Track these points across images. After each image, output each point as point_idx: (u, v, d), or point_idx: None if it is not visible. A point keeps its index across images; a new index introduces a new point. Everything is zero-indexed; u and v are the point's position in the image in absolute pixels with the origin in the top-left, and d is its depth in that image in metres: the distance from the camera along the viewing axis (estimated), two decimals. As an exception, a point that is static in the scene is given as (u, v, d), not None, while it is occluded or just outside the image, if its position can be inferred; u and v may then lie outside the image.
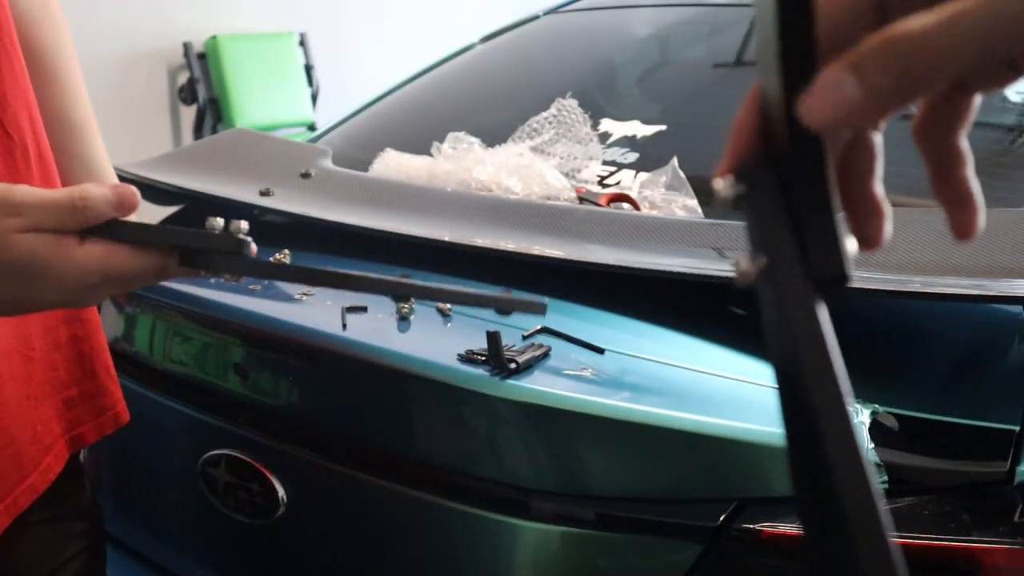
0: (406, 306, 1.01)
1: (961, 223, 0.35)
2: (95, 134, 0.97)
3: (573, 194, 1.27)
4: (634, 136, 1.39)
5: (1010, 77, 0.33)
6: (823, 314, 0.30)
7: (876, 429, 0.83)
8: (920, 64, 0.28)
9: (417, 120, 1.68)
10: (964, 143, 0.35)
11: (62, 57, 0.90)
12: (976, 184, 0.35)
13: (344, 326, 0.97)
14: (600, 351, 0.91)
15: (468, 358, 0.89)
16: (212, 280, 1.12)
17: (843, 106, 0.29)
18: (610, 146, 1.39)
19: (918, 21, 0.28)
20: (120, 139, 3.10)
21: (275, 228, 1.26)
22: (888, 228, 0.36)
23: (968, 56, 0.28)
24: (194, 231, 0.60)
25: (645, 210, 1.21)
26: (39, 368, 0.83)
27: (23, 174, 0.80)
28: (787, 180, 0.31)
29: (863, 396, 0.85)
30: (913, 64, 0.28)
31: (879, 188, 0.35)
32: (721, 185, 0.32)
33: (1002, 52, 0.28)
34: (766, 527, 0.80)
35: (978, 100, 0.34)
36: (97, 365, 0.91)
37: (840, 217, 0.30)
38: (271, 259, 1.15)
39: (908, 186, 1.34)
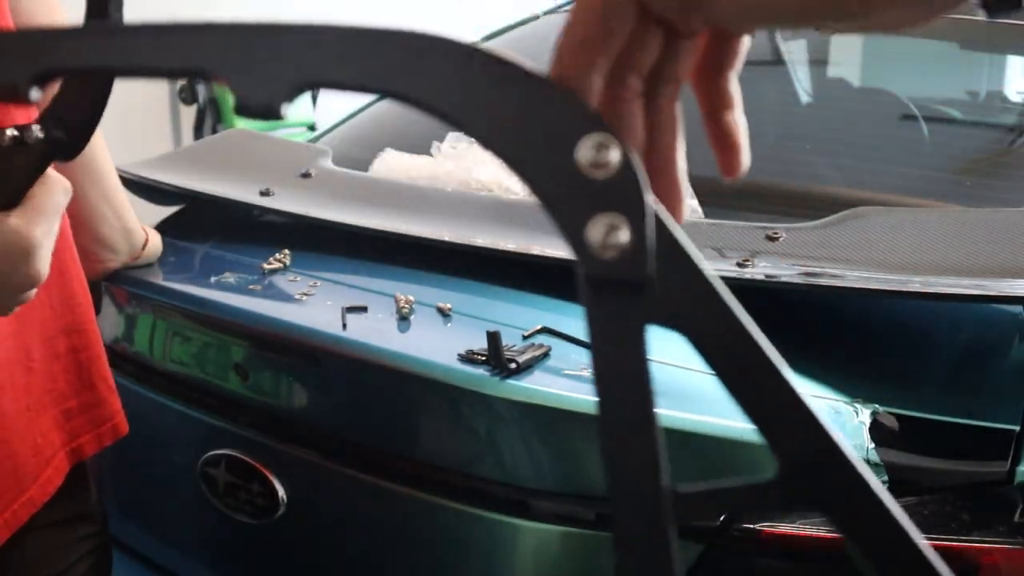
0: (406, 306, 1.01)
1: (726, 162, 0.38)
2: (98, 136, 0.97)
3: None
4: (634, 136, 1.39)
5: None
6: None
7: (876, 429, 0.83)
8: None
9: (417, 120, 1.68)
10: (734, 85, 0.37)
11: None
12: (743, 126, 0.38)
13: (344, 326, 0.97)
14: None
15: (468, 358, 0.89)
16: (212, 279, 1.12)
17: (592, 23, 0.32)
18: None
19: None
20: (120, 139, 3.10)
21: (275, 228, 1.26)
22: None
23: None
24: None
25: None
26: (38, 379, 0.83)
27: None
28: None
29: (864, 396, 0.85)
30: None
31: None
32: None
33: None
34: (766, 527, 0.80)
35: (746, 43, 0.37)
36: (95, 376, 0.90)
37: None
38: (271, 259, 1.15)
39: (908, 186, 1.34)
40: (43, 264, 0.57)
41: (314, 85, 0.30)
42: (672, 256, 0.30)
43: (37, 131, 0.52)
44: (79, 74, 0.50)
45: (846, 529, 0.29)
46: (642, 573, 0.29)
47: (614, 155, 0.29)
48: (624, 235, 0.29)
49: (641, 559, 0.29)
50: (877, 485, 0.29)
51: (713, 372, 0.30)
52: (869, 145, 1.47)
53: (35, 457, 0.82)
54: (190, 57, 0.30)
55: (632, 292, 0.29)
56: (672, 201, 0.37)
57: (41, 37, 0.32)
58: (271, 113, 0.30)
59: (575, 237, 0.29)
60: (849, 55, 1.83)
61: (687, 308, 0.30)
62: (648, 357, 0.30)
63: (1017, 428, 0.82)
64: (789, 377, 0.29)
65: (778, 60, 1.66)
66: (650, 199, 0.29)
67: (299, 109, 4.03)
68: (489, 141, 0.30)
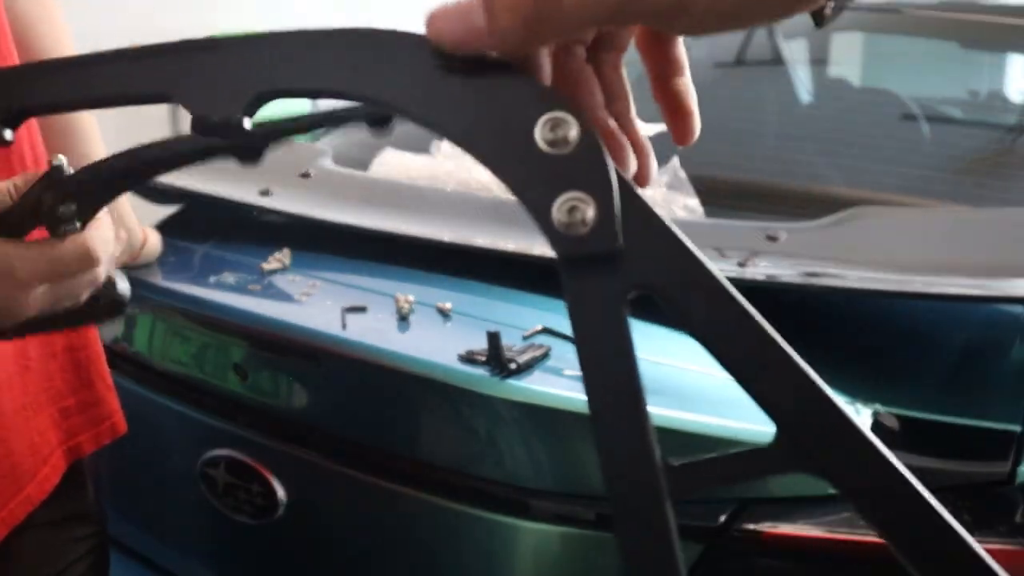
0: (406, 306, 1.01)
1: (680, 129, 0.37)
2: (96, 136, 0.96)
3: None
4: (634, 136, 1.39)
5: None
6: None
7: (877, 429, 0.83)
8: (548, 16, 0.29)
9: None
10: (681, 52, 0.36)
11: (62, 53, 0.90)
12: (691, 91, 0.37)
13: (344, 326, 0.97)
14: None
15: (468, 358, 0.89)
16: (212, 279, 1.12)
17: (471, 34, 0.30)
18: (610, 146, 1.39)
19: None
20: (119, 139, 3.09)
21: (275, 228, 1.26)
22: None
23: (587, 22, 0.30)
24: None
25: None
26: (35, 378, 0.83)
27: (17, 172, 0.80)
28: None
29: (864, 396, 0.85)
30: (535, 19, 0.29)
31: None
32: None
33: (619, 24, 0.31)
34: (767, 528, 0.80)
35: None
36: (94, 374, 0.90)
37: None
38: (270, 259, 1.15)
39: (909, 186, 1.34)
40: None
41: (269, 96, 0.30)
42: (642, 224, 0.30)
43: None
44: (47, 112, 0.50)
45: (850, 490, 0.29)
46: (644, 552, 0.28)
47: (572, 131, 0.29)
48: (590, 210, 0.29)
49: (642, 538, 0.29)
50: (876, 441, 0.30)
51: (695, 336, 0.30)
52: (869, 145, 1.47)
53: (32, 455, 0.82)
54: (150, 83, 0.30)
55: (606, 266, 0.29)
56: (632, 164, 0.37)
57: (4, 78, 0.32)
58: (231, 130, 0.29)
59: (543, 218, 0.30)
60: (849, 55, 1.83)
61: (663, 274, 0.30)
62: (629, 331, 0.30)
63: (1018, 428, 0.82)
64: (775, 334, 0.29)
65: (778, 60, 1.66)
66: (612, 170, 0.29)
67: (298, 108, 4.03)
68: (450, 131, 0.30)
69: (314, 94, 0.31)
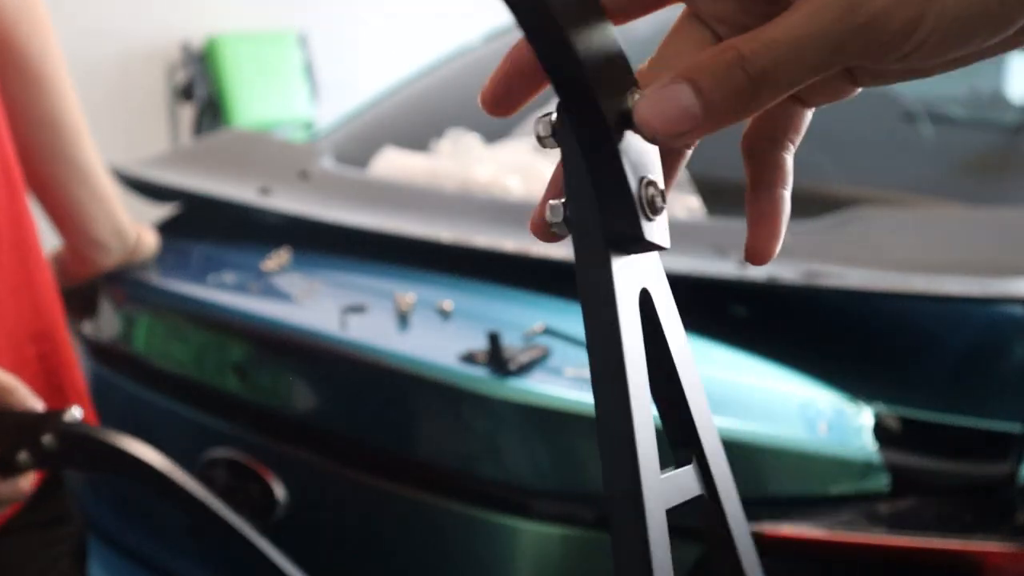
0: (406, 306, 1.00)
1: (759, 243, 0.34)
2: (85, 135, 0.96)
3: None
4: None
5: (849, 90, 0.33)
6: (627, 270, 0.30)
7: (879, 430, 0.83)
8: (756, 75, 0.27)
9: (418, 119, 1.68)
10: (790, 160, 0.34)
11: (48, 58, 0.89)
12: (788, 208, 0.34)
13: (344, 326, 0.97)
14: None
15: (468, 358, 0.88)
16: (211, 279, 1.12)
17: (679, 114, 0.28)
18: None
19: (760, 36, 0.28)
20: (119, 139, 3.09)
21: (274, 228, 1.26)
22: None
23: (807, 70, 0.28)
24: None
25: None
26: None
27: None
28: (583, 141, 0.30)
29: (865, 396, 0.85)
30: (750, 80, 0.27)
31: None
32: (540, 125, 0.31)
33: (840, 65, 0.28)
34: (767, 528, 0.80)
35: (810, 114, 0.34)
36: (65, 382, 0.90)
37: (639, 180, 0.29)
38: (270, 259, 1.14)
39: (909, 185, 1.34)
40: None
41: None
42: None
43: None
44: None
45: None
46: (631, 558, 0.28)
47: None
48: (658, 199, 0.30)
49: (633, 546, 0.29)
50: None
51: None
52: (870, 144, 1.47)
53: None
54: None
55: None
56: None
57: None
58: None
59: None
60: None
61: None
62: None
63: (1018, 428, 0.82)
64: None
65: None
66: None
67: (297, 107, 4.03)
68: None
69: None
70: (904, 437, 0.84)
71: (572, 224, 0.30)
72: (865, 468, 0.82)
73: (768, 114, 0.33)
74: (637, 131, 0.29)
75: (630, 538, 0.27)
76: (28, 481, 0.66)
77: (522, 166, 1.29)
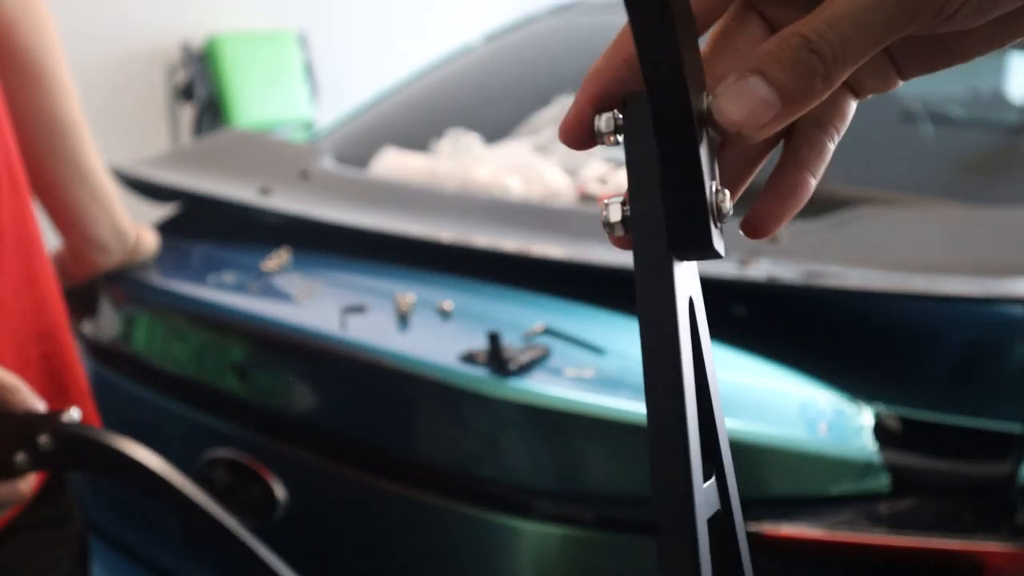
0: (406, 306, 1.00)
1: (764, 216, 0.34)
2: (85, 135, 0.96)
3: (574, 193, 1.27)
4: (634, 135, 1.38)
5: (895, 80, 0.34)
6: (683, 277, 0.29)
7: (879, 430, 0.83)
8: (822, 54, 0.28)
9: (418, 119, 1.68)
10: (831, 147, 0.34)
11: (49, 58, 0.89)
12: (808, 192, 0.34)
13: (344, 326, 0.97)
14: (600, 351, 0.91)
15: (468, 358, 0.88)
16: (211, 279, 1.12)
17: (757, 105, 0.28)
18: (612, 146, 1.39)
19: (820, 16, 0.28)
20: (119, 139, 3.09)
21: (274, 228, 1.26)
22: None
23: (870, 42, 0.28)
24: None
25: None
26: None
27: None
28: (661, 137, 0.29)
29: (866, 396, 0.85)
30: (820, 60, 0.28)
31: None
32: (603, 120, 0.30)
33: (899, 32, 0.28)
34: (767, 527, 0.80)
35: (855, 105, 0.35)
36: (68, 381, 0.90)
37: (712, 186, 0.29)
38: (270, 259, 1.14)
39: (909, 185, 1.34)
40: None
41: None
42: None
43: None
44: None
45: None
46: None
47: None
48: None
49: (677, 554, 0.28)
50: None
51: None
52: (869, 144, 1.47)
53: None
54: None
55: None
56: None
57: None
58: None
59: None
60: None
61: None
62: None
63: (1018, 428, 0.82)
64: None
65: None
66: None
67: (297, 107, 4.03)
68: None
69: None
70: (904, 437, 0.84)
71: (635, 225, 0.29)
72: (865, 468, 0.82)
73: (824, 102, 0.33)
74: (717, 129, 0.29)
75: (680, 548, 0.27)
76: (28, 484, 0.66)
77: (522, 166, 1.29)
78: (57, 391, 0.89)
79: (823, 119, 0.34)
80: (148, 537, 1.24)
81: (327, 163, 1.37)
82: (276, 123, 3.82)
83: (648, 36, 0.27)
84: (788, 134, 0.34)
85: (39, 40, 0.88)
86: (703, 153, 0.28)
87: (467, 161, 1.32)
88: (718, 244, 0.29)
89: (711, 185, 0.29)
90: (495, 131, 1.45)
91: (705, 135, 0.29)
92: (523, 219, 1.11)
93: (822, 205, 1.10)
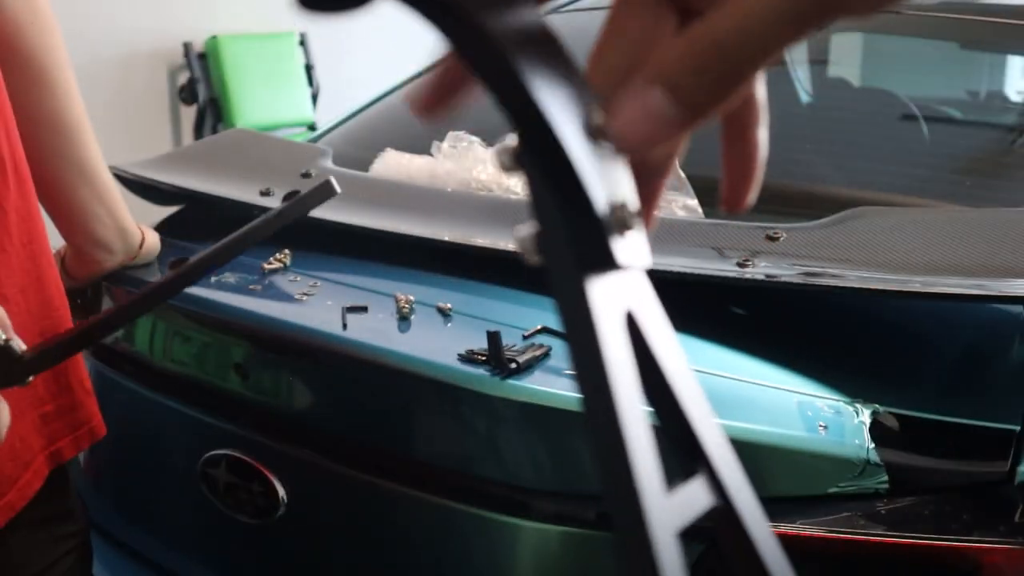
0: (406, 306, 1.01)
1: (735, 191, 0.32)
2: (88, 135, 0.96)
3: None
4: (634, 136, 1.39)
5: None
6: (611, 291, 0.28)
7: (877, 429, 0.83)
8: (736, 58, 0.25)
9: (418, 119, 1.68)
10: (763, 95, 0.31)
11: (52, 59, 0.90)
12: (764, 149, 0.32)
13: (344, 326, 0.97)
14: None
15: (468, 358, 0.89)
16: (212, 279, 1.12)
17: (659, 123, 0.26)
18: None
19: (730, 12, 0.25)
20: (120, 139, 3.09)
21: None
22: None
23: (784, 39, 0.25)
24: None
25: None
26: None
27: None
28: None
29: (864, 396, 0.85)
30: (728, 61, 0.25)
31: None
32: (499, 152, 0.29)
33: (816, 25, 0.25)
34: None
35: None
36: (72, 378, 0.90)
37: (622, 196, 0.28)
38: (271, 259, 1.15)
39: (908, 186, 1.34)
40: None
41: None
42: None
43: None
44: None
45: None
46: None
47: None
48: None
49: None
50: None
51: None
52: (869, 145, 1.47)
53: (12, 461, 0.82)
54: None
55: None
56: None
57: None
58: None
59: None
60: (849, 55, 1.84)
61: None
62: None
63: (1018, 428, 0.82)
64: None
65: (778, 59, 1.66)
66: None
67: (299, 108, 4.03)
68: None
69: None
70: (903, 436, 0.84)
71: (545, 252, 0.29)
72: (864, 467, 0.82)
73: None
74: (609, 147, 0.27)
75: (638, 563, 0.26)
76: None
77: (522, 167, 1.29)
78: (61, 388, 0.89)
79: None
80: (148, 537, 1.24)
81: (329, 164, 1.37)
82: (277, 125, 3.83)
83: (484, 71, 0.26)
84: None
85: (43, 41, 0.88)
86: (591, 170, 0.27)
87: (467, 162, 1.32)
88: (628, 256, 0.28)
89: (606, 199, 0.27)
90: (495, 132, 1.45)
91: (598, 147, 0.27)
92: (523, 220, 1.11)
93: (822, 205, 1.10)
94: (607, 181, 0.28)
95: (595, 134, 0.27)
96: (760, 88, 0.31)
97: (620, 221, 0.28)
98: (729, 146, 0.31)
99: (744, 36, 0.25)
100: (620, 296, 0.28)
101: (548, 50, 0.27)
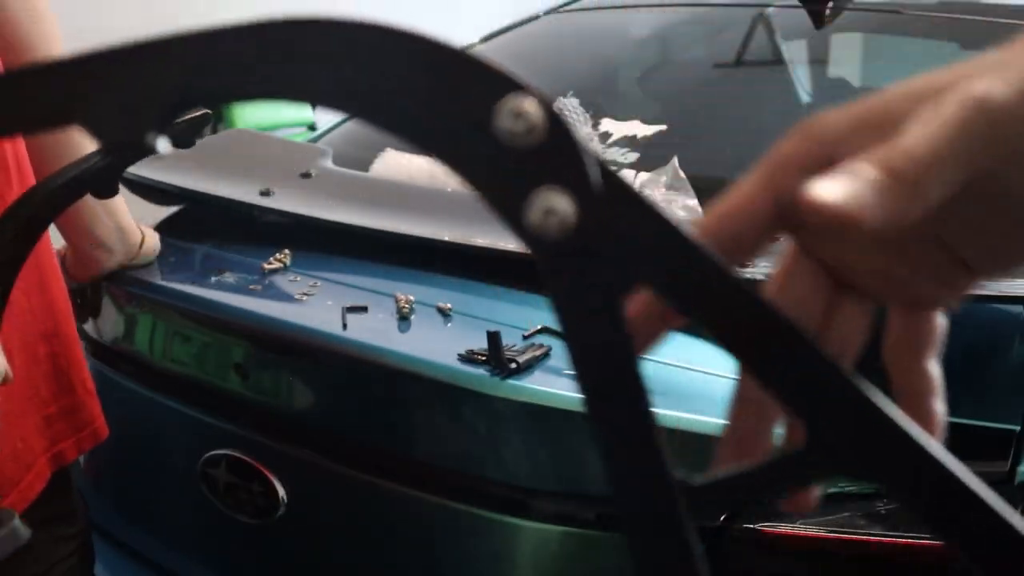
0: (406, 306, 1.01)
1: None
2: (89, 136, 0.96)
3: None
4: (635, 136, 1.39)
5: (970, 280, 0.32)
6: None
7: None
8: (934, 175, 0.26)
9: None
10: (934, 368, 0.33)
11: (52, 55, 0.90)
12: (943, 416, 0.33)
13: (344, 326, 0.97)
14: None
15: (468, 358, 0.89)
16: (212, 279, 1.12)
17: (897, 215, 0.26)
18: (611, 146, 1.39)
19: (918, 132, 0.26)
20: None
21: (275, 228, 1.26)
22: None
23: (952, 172, 0.26)
24: None
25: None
26: (19, 385, 0.83)
27: (2, 184, 0.80)
28: None
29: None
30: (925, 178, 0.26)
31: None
32: None
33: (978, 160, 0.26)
34: (766, 527, 0.80)
35: (944, 322, 0.33)
36: (75, 380, 0.90)
37: None
38: (271, 259, 1.15)
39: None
40: None
41: (183, 105, 0.26)
42: (632, 216, 0.26)
43: None
44: None
45: (900, 491, 0.26)
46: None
47: (536, 115, 0.24)
48: (568, 206, 0.25)
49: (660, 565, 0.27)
50: (918, 432, 0.26)
51: (712, 334, 0.26)
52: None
53: (14, 463, 0.82)
54: (46, 107, 0.27)
55: (594, 265, 0.25)
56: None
57: None
58: (141, 148, 0.26)
59: (516, 222, 0.25)
60: (849, 55, 1.83)
61: (662, 268, 0.26)
62: (627, 331, 0.26)
63: (1017, 428, 0.82)
64: (799, 327, 0.26)
65: (778, 60, 1.66)
66: (591, 157, 0.25)
67: (299, 109, 4.03)
68: (401, 127, 0.26)
69: (238, 97, 0.27)
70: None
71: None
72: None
73: (907, 322, 0.32)
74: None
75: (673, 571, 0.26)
76: None
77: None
78: (63, 389, 0.89)
79: (916, 342, 0.33)
80: (149, 537, 1.24)
81: (329, 164, 1.37)
82: (277, 125, 3.82)
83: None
84: (891, 368, 0.32)
85: (42, 41, 0.88)
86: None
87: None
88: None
89: None
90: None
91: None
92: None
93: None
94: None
95: None
96: (933, 365, 0.32)
97: None
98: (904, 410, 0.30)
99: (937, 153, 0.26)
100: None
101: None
